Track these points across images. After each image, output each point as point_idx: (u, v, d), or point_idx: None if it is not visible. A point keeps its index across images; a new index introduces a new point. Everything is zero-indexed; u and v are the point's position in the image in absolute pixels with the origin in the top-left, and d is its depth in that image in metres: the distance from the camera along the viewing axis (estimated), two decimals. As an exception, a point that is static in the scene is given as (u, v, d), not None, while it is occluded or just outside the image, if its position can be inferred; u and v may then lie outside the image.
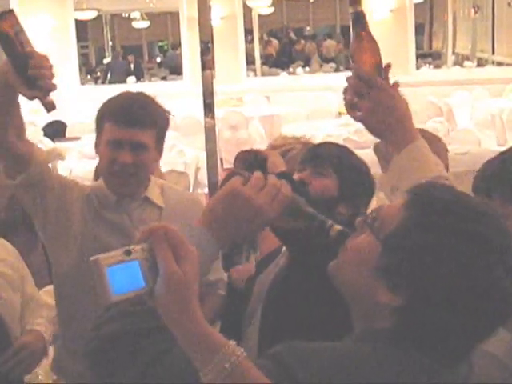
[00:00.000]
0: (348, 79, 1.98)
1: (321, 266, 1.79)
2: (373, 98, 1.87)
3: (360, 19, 2.01)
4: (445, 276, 1.51)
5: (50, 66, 2.63)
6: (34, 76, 2.55)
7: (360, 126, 8.34)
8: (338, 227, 1.75)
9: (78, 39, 15.90)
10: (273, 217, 1.72)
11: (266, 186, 1.70)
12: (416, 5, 16.28)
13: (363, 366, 1.51)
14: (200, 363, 1.39)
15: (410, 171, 2.05)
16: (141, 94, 3.20)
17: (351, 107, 1.98)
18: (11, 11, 2.59)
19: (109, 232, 3.08)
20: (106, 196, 3.18)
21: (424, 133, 2.96)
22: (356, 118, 1.99)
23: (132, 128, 3.02)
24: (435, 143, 4.11)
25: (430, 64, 17.55)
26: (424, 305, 1.53)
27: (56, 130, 13.71)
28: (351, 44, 2.02)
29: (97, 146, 3.17)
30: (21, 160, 2.89)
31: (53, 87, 2.62)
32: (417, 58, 16.12)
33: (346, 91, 2.06)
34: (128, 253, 1.38)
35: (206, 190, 9.77)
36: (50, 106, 2.53)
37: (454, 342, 1.56)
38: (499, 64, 17.31)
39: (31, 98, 2.59)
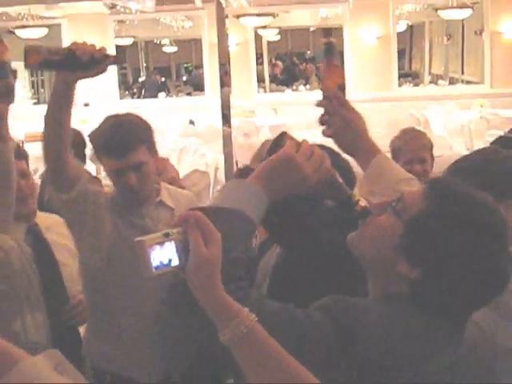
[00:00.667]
0: (319, 101, 1.92)
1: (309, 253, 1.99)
2: (342, 116, 1.83)
3: (331, 49, 1.99)
4: (455, 255, 1.60)
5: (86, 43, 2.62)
6: (83, 53, 2.53)
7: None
8: (363, 203, 1.83)
9: (120, 61, 15.80)
10: (314, 184, 1.74)
11: (313, 155, 1.72)
12: (398, 33, 16.22)
13: (389, 321, 1.62)
14: (220, 326, 1.44)
15: (382, 177, 2.05)
16: (119, 119, 3.08)
17: (322, 124, 1.92)
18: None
19: (134, 233, 2.88)
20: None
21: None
22: (325, 134, 1.94)
23: (126, 155, 2.94)
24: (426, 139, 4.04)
25: (409, 82, 17.50)
26: (437, 277, 1.61)
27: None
28: (323, 69, 2.00)
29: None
30: (72, 177, 2.88)
31: (103, 50, 2.62)
32: (399, 77, 16.07)
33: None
34: (166, 235, 1.43)
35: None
36: (117, 60, 2.56)
37: (458, 308, 1.65)
38: (468, 82, 17.30)
39: (96, 74, 2.60)
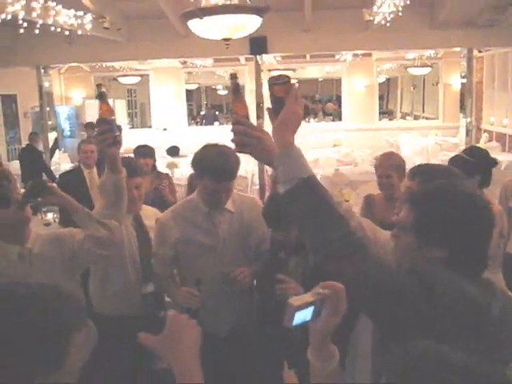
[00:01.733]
0: (235, 127, 1.68)
1: None
2: (256, 137, 1.63)
3: (237, 88, 1.78)
4: (466, 233, 1.50)
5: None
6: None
7: (346, 150, 8.09)
8: None
9: (187, 100, 15.90)
10: None
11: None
12: (379, 83, 16.19)
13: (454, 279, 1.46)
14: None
15: None
16: (226, 149, 2.66)
17: (236, 144, 1.70)
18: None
19: (201, 234, 2.81)
20: (199, 208, 2.82)
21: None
22: (244, 152, 1.69)
23: (227, 181, 2.69)
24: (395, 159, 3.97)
25: (386, 118, 17.32)
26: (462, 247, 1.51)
27: (174, 151, 13.76)
28: (232, 102, 1.75)
29: (196, 179, 2.83)
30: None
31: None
32: (379, 114, 15.95)
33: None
34: (311, 303, 1.28)
35: (258, 187, 9.74)
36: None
37: (477, 263, 1.53)
38: (427, 118, 17.13)
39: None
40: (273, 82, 1.66)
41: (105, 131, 2.41)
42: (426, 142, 13.06)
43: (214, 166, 2.62)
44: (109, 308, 3.10)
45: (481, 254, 1.53)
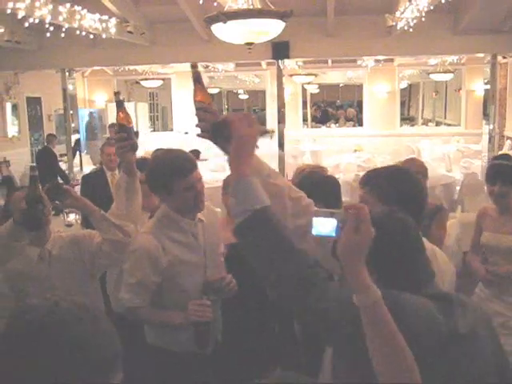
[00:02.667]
0: (199, 113, 1.67)
1: None
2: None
3: (198, 77, 1.75)
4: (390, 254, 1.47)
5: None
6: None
7: (367, 156, 8.06)
8: None
9: (209, 104, 15.89)
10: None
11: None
12: (401, 89, 16.06)
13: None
14: (357, 291, 1.31)
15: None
16: (169, 150, 2.69)
17: (204, 131, 1.68)
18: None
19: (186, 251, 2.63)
20: (176, 223, 2.56)
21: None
22: (206, 137, 1.69)
23: (194, 172, 2.53)
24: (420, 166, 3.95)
25: (408, 124, 17.20)
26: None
27: (194, 155, 13.74)
28: (194, 92, 1.72)
29: (163, 192, 2.54)
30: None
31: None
32: (400, 120, 15.80)
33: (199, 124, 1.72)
34: (332, 213, 1.35)
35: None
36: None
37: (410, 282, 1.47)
38: (449, 125, 16.94)
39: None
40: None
41: (123, 138, 2.46)
42: (447, 149, 12.96)
43: (179, 166, 2.46)
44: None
45: (407, 275, 1.50)
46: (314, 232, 1.37)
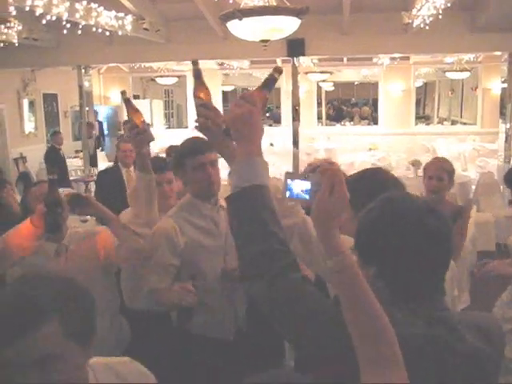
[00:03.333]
0: (200, 109, 1.63)
1: None
2: (217, 124, 1.56)
3: (199, 74, 1.74)
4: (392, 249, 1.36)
5: None
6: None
7: (382, 154, 8.00)
8: None
9: (223, 102, 15.97)
10: None
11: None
12: (417, 88, 15.95)
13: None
14: (329, 255, 1.25)
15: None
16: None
17: (203, 128, 1.62)
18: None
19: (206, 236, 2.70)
20: (198, 209, 2.66)
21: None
22: (204, 134, 1.64)
23: (210, 152, 2.59)
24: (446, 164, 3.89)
25: (423, 122, 17.11)
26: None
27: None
28: (194, 89, 1.71)
29: (184, 176, 2.67)
30: None
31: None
32: (416, 119, 15.74)
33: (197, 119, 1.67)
34: (305, 176, 1.34)
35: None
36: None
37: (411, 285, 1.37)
38: (464, 123, 16.85)
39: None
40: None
41: (139, 133, 2.50)
42: (463, 148, 12.85)
43: (192, 145, 2.59)
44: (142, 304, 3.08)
45: (419, 278, 1.37)
46: (288, 194, 1.36)
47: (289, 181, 1.36)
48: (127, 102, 2.55)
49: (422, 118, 18.44)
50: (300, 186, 1.35)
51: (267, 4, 5.73)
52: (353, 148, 13.61)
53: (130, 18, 8.42)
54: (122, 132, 10.99)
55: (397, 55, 12.35)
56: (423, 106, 20.44)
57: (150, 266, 2.58)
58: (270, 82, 1.61)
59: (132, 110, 2.52)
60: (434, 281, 1.40)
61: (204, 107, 1.64)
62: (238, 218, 1.43)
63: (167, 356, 2.68)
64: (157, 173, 2.68)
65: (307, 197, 1.35)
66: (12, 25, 8.68)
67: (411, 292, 1.37)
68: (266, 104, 1.59)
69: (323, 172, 1.30)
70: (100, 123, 14.09)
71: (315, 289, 1.38)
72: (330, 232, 1.28)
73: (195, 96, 1.71)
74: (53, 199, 2.31)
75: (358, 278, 1.25)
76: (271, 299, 1.36)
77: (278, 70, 1.62)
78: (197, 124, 1.63)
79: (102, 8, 7.86)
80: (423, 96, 20.16)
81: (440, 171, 3.74)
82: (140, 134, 2.49)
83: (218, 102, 15.78)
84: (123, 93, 2.60)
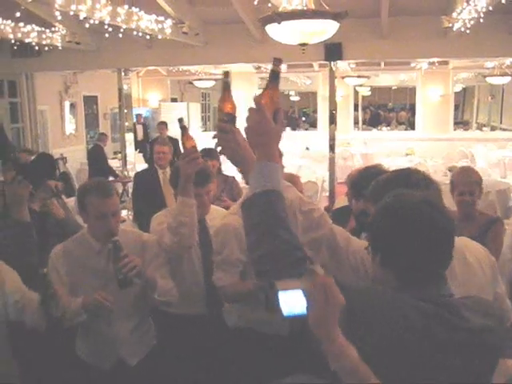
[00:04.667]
0: (223, 126, 1.61)
1: None
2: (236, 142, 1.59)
3: (227, 86, 1.66)
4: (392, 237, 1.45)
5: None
6: None
7: (419, 160, 7.93)
8: None
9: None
10: None
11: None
12: (455, 93, 15.71)
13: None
14: (330, 361, 1.29)
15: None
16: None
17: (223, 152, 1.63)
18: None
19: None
20: None
21: None
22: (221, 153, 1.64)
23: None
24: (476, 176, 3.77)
25: (461, 128, 16.82)
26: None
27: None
28: (221, 101, 1.65)
29: None
30: None
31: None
32: (454, 124, 15.49)
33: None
34: (297, 286, 1.26)
35: (327, 194, 9.68)
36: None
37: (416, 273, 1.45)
38: (504, 129, 16.52)
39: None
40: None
41: (193, 158, 2.56)
42: (502, 154, 12.58)
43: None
44: (174, 307, 3.03)
45: (419, 264, 1.44)
46: (285, 313, 1.26)
47: (281, 293, 1.25)
48: (184, 128, 2.62)
49: (461, 123, 18.16)
50: (294, 298, 1.26)
51: (305, 8, 5.73)
52: (389, 153, 13.50)
53: (169, 21, 8.53)
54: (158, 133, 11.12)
55: (436, 60, 12.20)
56: (462, 111, 20.13)
57: (218, 263, 2.67)
58: (273, 79, 1.60)
59: (187, 136, 2.60)
60: (435, 268, 1.47)
61: (223, 132, 1.62)
62: (248, 223, 1.50)
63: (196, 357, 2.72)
64: (198, 186, 2.75)
65: (305, 311, 1.27)
66: (56, 29, 8.91)
67: (413, 278, 1.45)
68: (278, 101, 1.60)
69: (314, 283, 1.29)
70: (145, 125, 14.28)
71: None
72: (332, 336, 1.29)
73: (221, 109, 1.66)
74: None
75: (363, 375, 1.28)
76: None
77: (277, 62, 1.61)
78: (219, 148, 1.63)
79: (142, 12, 7.99)
80: (462, 101, 19.86)
81: (470, 186, 3.58)
82: (187, 156, 2.55)
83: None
84: (181, 120, 2.65)
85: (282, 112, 1.62)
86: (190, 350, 2.87)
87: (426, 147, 14.06)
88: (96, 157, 10.39)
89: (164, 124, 10.47)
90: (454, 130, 15.48)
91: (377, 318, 1.37)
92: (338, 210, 4.03)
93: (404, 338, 1.35)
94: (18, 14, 7.41)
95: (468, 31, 7.74)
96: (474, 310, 1.46)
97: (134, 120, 14.22)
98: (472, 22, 7.43)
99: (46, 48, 9.54)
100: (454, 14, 7.76)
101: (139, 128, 14.08)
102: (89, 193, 2.56)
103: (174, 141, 7.37)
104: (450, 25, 8.14)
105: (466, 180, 3.59)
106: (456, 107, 16.88)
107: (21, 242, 2.76)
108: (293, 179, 3.46)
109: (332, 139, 9.76)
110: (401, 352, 1.35)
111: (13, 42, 8.85)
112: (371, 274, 1.64)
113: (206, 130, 17.66)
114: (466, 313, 1.43)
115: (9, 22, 8.14)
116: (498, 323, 1.49)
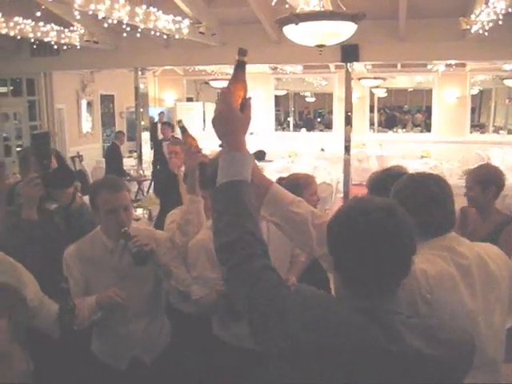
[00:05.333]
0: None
1: None
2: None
3: (243, 66, 1.64)
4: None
5: None
6: None
7: (434, 163, 7.85)
8: None
9: (276, 106, 16.04)
10: None
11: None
12: (472, 95, 15.55)
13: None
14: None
15: (278, 202, 1.78)
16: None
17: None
18: None
19: None
20: None
21: None
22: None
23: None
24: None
25: (478, 131, 16.67)
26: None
27: (260, 156, 13.89)
28: (232, 80, 1.63)
29: None
30: None
31: None
32: (470, 127, 15.34)
33: None
34: None
35: (341, 195, 9.67)
36: None
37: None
38: (522, 133, 16.36)
39: None
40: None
41: (194, 153, 2.64)
42: (520, 157, 12.50)
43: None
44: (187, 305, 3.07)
45: (366, 274, 1.36)
46: None
47: None
48: (184, 129, 2.69)
49: (477, 126, 18.01)
50: None
51: (323, 9, 5.74)
52: (405, 155, 13.43)
53: (186, 21, 8.57)
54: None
55: (453, 62, 12.12)
56: (478, 114, 19.96)
57: (194, 278, 2.66)
58: (239, 69, 1.61)
59: (189, 136, 2.67)
60: (385, 279, 1.37)
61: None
62: (215, 212, 1.52)
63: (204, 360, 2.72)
64: (209, 188, 2.72)
65: None
66: (75, 28, 8.99)
67: (358, 287, 1.38)
68: (245, 91, 1.61)
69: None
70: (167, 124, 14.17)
71: (276, 276, 1.44)
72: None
73: (231, 90, 1.61)
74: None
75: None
76: (229, 285, 1.47)
77: (242, 53, 1.61)
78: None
79: (160, 12, 8.04)
80: (478, 104, 19.69)
81: (467, 182, 3.64)
82: (191, 152, 2.59)
83: (270, 105, 15.84)
84: (180, 121, 2.71)
85: (249, 101, 1.63)
86: (203, 348, 2.86)
87: (442, 150, 13.97)
88: (113, 155, 10.50)
89: (167, 124, 10.50)
90: (471, 132, 15.36)
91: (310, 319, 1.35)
92: None
93: (327, 342, 1.32)
94: (38, 14, 7.49)
95: (486, 33, 7.68)
96: (421, 335, 1.34)
97: (156, 119, 14.23)
98: (491, 24, 7.38)
99: (65, 47, 9.63)
100: (473, 16, 7.71)
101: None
102: (99, 189, 2.57)
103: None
104: (468, 27, 8.09)
105: (467, 178, 3.68)
106: (472, 110, 16.73)
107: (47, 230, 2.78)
108: (308, 179, 3.48)
109: (347, 141, 9.75)
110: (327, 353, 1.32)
111: (32, 41, 8.95)
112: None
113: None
114: (406, 334, 1.33)
115: (29, 21, 8.24)
116: (449, 353, 1.36)
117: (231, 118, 1.56)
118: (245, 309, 1.43)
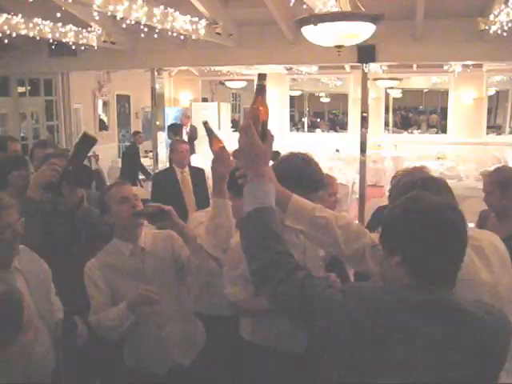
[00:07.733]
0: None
1: None
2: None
3: (263, 90, 1.68)
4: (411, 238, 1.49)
5: None
6: None
7: (451, 164, 7.81)
8: None
9: (290, 106, 16.03)
10: None
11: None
12: (489, 96, 15.43)
13: None
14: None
15: (301, 210, 1.92)
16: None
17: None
18: None
19: None
20: None
21: None
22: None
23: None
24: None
25: (494, 132, 16.54)
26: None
27: (274, 156, 13.68)
28: (254, 103, 1.67)
29: None
30: None
31: None
32: (487, 128, 15.24)
33: None
34: None
35: (357, 196, 9.64)
36: None
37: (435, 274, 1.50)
38: (539, 135, 16.18)
39: None
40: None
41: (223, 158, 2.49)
42: (536, 159, 12.37)
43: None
44: (210, 309, 3.07)
45: (437, 266, 1.48)
46: None
47: None
48: (210, 132, 2.57)
49: (493, 127, 17.86)
50: None
51: (341, 10, 5.72)
52: (420, 156, 13.37)
53: (203, 22, 8.59)
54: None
55: (470, 62, 12.03)
56: (495, 115, 19.79)
57: (233, 278, 2.64)
58: (260, 94, 1.65)
59: (215, 138, 2.55)
60: (450, 269, 1.51)
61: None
62: (244, 240, 1.60)
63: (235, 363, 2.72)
64: (238, 195, 2.67)
65: None
66: (92, 29, 9.05)
67: (428, 278, 1.48)
68: (267, 115, 1.66)
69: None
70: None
71: (320, 281, 1.53)
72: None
73: (254, 114, 1.64)
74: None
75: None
76: (277, 303, 1.56)
77: (262, 77, 1.66)
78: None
79: (177, 13, 8.06)
80: (495, 105, 19.52)
81: (487, 186, 3.59)
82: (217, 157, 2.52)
83: (285, 106, 15.83)
84: (205, 123, 2.67)
85: (270, 132, 1.68)
86: (233, 350, 2.84)
87: (458, 151, 13.89)
88: (132, 155, 10.54)
89: (175, 125, 10.44)
90: (487, 134, 15.25)
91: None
92: (380, 208, 4.08)
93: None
94: (58, 15, 7.55)
95: (505, 34, 7.61)
96: (477, 307, 1.51)
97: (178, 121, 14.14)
98: (510, 25, 7.31)
99: (82, 48, 9.70)
100: (491, 16, 7.65)
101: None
102: (107, 190, 2.68)
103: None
104: (487, 27, 8.02)
105: (485, 182, 3.65)
106: (489, 111, 16.60)
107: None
108: (329, 180, 3.46)
109: (363, 142, 9.71)
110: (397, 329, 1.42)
111: (51, 41, 9.02)
112: (378, 271, 1.74)
113: (236, 131, 17.73)
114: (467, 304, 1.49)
115: (47, 22, 8.30)
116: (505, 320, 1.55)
117: (254, 150, 1.63)
118: (300, 322, 1.54)
